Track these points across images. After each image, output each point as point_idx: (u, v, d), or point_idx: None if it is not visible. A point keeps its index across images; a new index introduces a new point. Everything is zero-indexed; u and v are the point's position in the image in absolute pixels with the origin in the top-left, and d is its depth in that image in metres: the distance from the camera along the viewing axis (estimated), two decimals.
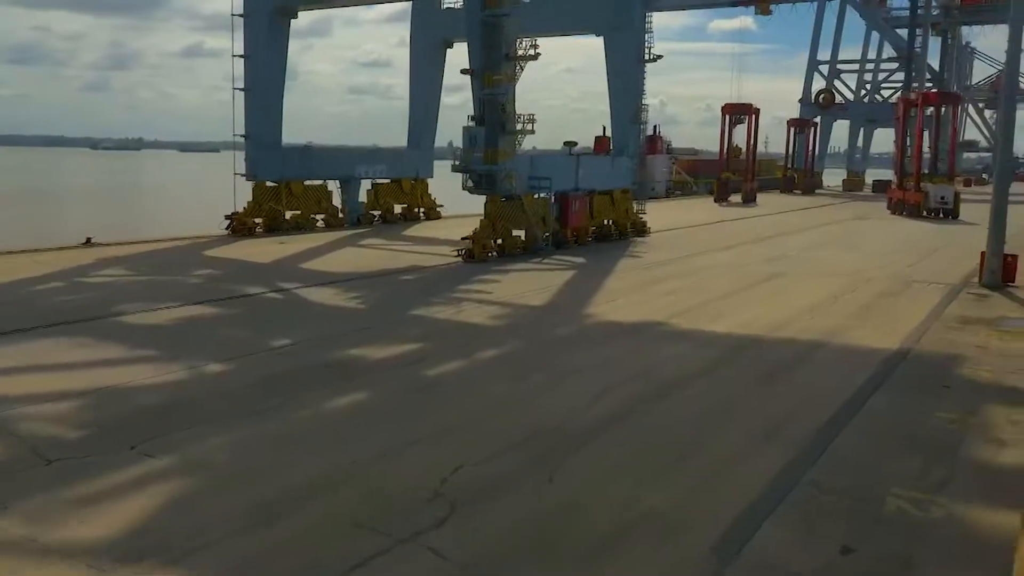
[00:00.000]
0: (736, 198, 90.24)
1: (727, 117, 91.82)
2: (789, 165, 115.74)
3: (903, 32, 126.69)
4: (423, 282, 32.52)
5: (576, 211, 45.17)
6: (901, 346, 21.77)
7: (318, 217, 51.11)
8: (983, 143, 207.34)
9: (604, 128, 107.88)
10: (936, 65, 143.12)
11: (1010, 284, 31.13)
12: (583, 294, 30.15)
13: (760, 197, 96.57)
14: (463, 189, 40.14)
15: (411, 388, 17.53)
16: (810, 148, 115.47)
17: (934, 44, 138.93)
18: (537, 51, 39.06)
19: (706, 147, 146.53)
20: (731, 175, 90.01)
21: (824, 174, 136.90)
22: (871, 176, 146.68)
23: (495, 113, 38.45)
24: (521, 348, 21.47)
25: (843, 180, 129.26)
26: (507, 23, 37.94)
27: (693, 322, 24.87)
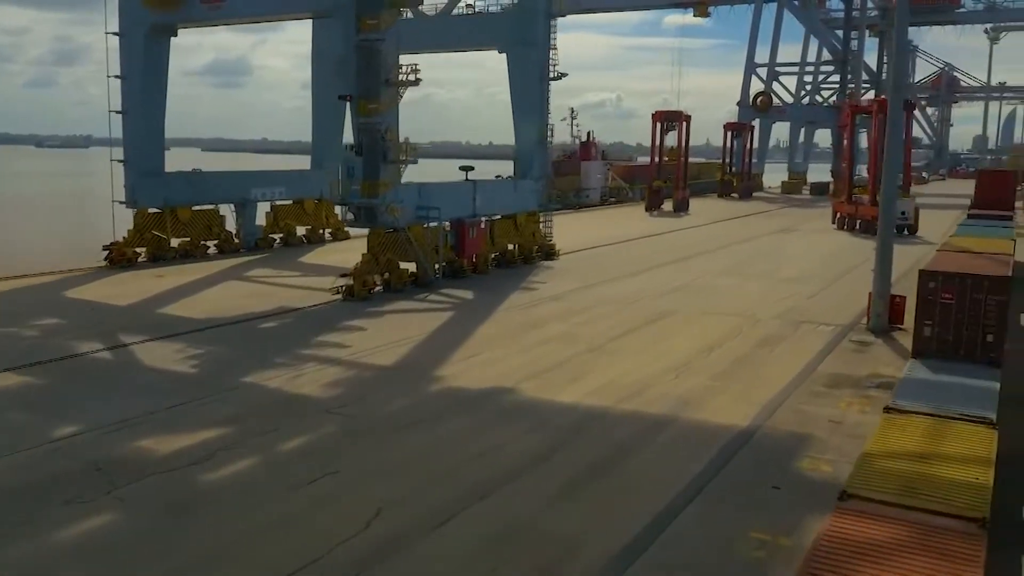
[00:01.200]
0: (669, 206, 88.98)
1: (658, 124, 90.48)
2: (727, 169, 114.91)
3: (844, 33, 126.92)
4: (282, 331, 30.35)
5: (473, 239, 43.24)
6: (751, 423, 20.14)
7: (210, 243, 48.62)
8: (925, 140, 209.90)
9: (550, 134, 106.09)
10: (881, 66, 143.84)
11: (897, 326, 29.75)
12: (446, 345, 28.20)
13: (696, 203, 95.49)
14: (343, 221, 38.03)
15: (171, 506, 15.44)
16: (747, 151, 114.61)
17: (873, 44, 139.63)
18: (418, 76, 36.93)
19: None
20: (663, 183, 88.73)
21: (766, 173, 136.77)
22: (816, 171, 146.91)
23: (375, 142, 36.32)
24: (332, 436, 19.44)
25: (782, 182, 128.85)
26: (385, 48, 35.81)
27: (546, 388, 23.09)
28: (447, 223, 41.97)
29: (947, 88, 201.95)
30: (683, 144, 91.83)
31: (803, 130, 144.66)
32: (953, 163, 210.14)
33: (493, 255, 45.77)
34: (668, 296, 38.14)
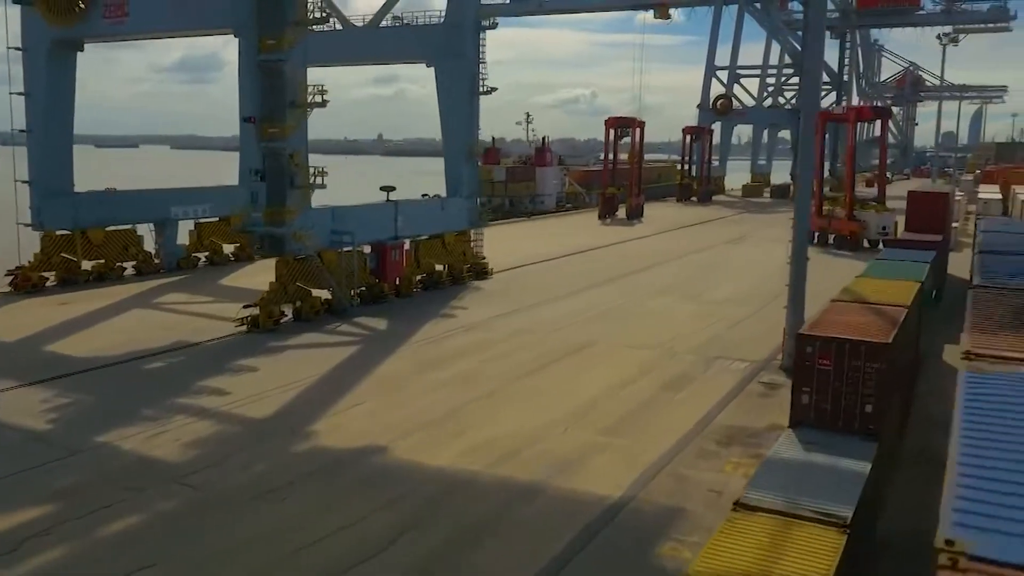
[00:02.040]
0: (624, 212, 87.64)
1: (612, 131, 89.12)
2: (687, 173, 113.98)
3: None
4: (167, 373, 28.63)
5: (395, 262, 41.69)
6: (625, 492, 18.77)
7: (127, 265, 46.70)
8: (891, 140, 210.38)
9: (493, 139, 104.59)
10: (842, 68, 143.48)
11: None
12: (335, 390, 26.64)
13: (653, 208, 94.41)
14: (250, 248, 36.35)
15: None
16: (707, 155, 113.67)
17: (835, 45, 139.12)
18: (324, 98, 35.24)
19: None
20: (616, 190, 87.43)
21: (729, 174, 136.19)
22: (781, 168, 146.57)
23: (280, 166, 34.66)
24: (168, 515, 17.82)
25: (743, 185, 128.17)
26: (289, 68, 34.12)
27: (423, 447, 21.63)
28: (367, 246, 40.47)
29: (912, 87, 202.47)
30: (637, 150, 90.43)
31: (766, 131, 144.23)
32: (918, 161, 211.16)
33: (419, 277, 44.28)
34: (593, 323, 36.80)
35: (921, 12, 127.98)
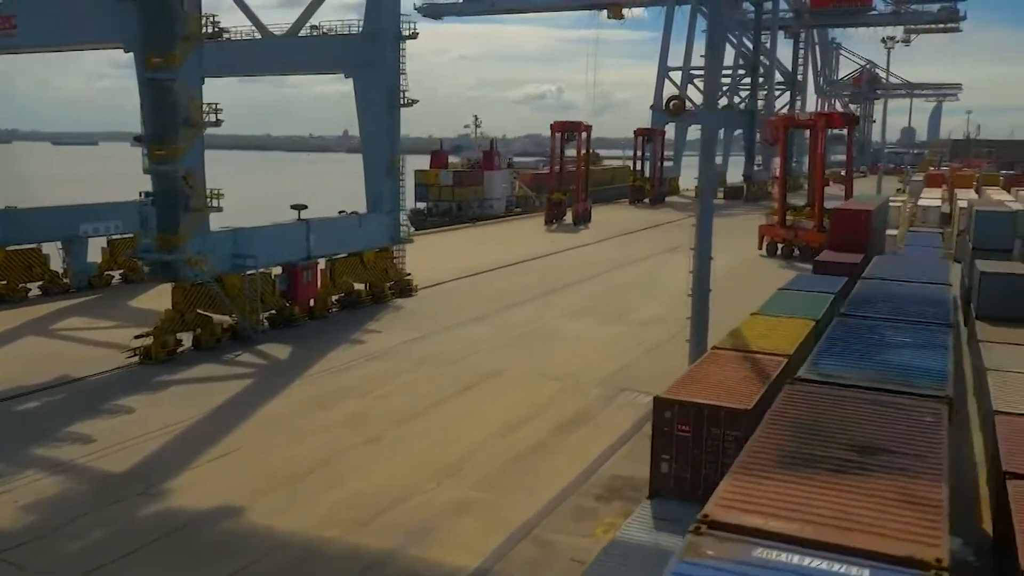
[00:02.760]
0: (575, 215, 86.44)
1: (558, 135, 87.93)
2: (639, 175, 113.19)
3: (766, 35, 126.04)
4: (37, 416, 26.91)
5: (308, 283, 40.18)
6: (482, 562, 17.52)
7: (32, 286, 44.66)
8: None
9: (440, 144, 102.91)
10: (796, 68, 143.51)
11: None
12: (210, 434, 25.10)
13: (603, 211, 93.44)
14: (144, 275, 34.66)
15: None
16: (659, 156, 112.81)
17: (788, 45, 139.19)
18: (219, 117, 33.60)
19: (601, 133, 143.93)
20: (562, 195, 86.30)
21: (688, 169, 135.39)
22: (737, 166, 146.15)
23: (172, 190, 32.97)
24: None
25: (697, 187, 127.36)
26: (179, 86, 32.40)
27: (282, 506, 20.24)
28: (277, 268, 38.94)
29: (869, 85, 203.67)
30: (583, 154, 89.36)
31: (722, 131, 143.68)
32: (875, 158, 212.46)
33: (336, 297, 42.77)
34: (508, 349, 35.56)
35: (874, 12, 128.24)
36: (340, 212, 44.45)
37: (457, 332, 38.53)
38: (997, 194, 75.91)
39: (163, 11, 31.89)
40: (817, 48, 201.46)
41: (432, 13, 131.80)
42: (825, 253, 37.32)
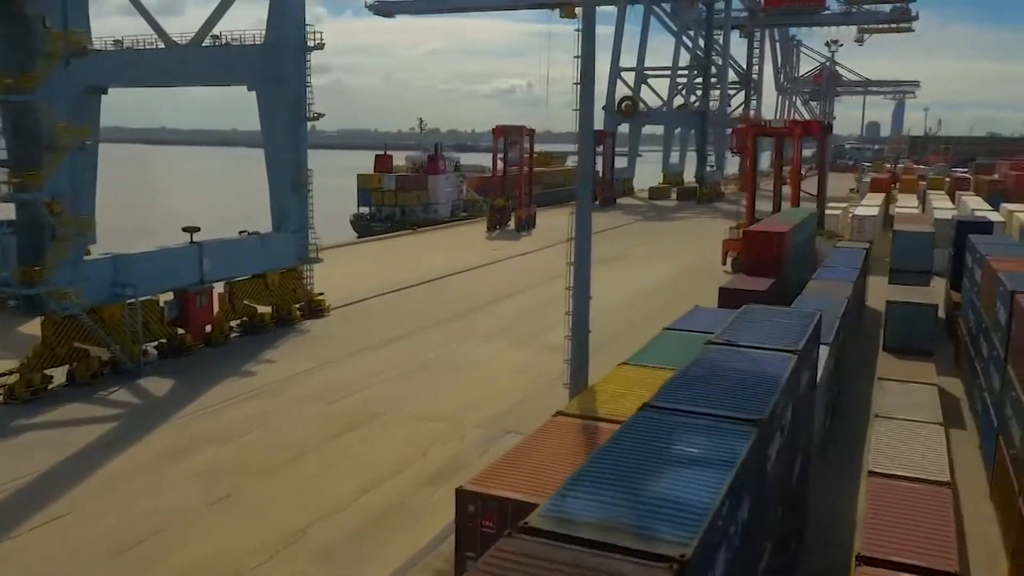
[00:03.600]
0: (518, 222, 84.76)
1: (500, 140, 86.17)
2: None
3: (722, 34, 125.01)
4: None
5: (202, 308, 38.26)
6: None
7: None
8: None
9: (385, 151, 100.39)
10: (751, 67, 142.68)
11: None
12: (45, 494, 23.24)
13: (551, 215, 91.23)
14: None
15: None
16: (608, 159, 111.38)
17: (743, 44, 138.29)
18: (86, 142, 31.55)
19: (567, 128, 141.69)
20: (504, 201, 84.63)
21: (644, 167, 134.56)
22: (693, 164, 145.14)
23: (34, 219, 30.89)
24: None
25: (650, 188, 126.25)
26: (43, 108, 30.28)
27: None
28: (168, 294, 37.00)
29: (828, 82, 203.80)
30: (528, 160, 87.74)
31: (677, 131, 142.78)
32: (836, 155, 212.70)
33: (237, 322, 40.85)
34: (401, 383, 33.81)
35: (827, 12, 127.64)
36: (241, 232, 42.43)
37: (356, 361, 36.81)
38: (939, 200, 75.02)
39: (21, 28, 29.78)
40: (778, 45, 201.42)
41: (383, 11, 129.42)
42: (734, 279, 35.84)
